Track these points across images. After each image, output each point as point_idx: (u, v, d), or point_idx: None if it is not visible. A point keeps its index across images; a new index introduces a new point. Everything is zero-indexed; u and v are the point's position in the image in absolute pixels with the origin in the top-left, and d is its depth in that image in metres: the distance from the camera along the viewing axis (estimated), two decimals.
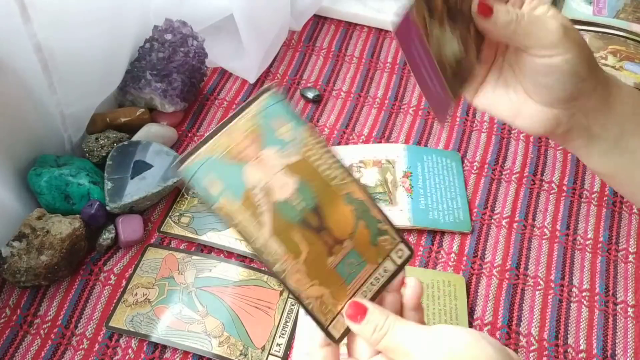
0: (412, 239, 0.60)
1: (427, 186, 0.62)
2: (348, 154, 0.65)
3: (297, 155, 0.38)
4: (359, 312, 0.38)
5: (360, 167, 0.64)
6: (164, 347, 0.52)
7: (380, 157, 0.64)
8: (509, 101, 0.47)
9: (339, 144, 0.67)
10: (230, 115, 0.38)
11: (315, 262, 0.38)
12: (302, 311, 0.52)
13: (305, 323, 0.53)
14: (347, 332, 0.39)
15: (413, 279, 0.40)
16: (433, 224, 0.60)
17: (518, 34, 0.44)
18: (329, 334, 0.39)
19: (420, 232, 0.60)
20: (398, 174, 0.63)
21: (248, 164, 0.37)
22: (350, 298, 0.39)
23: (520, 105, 0.47)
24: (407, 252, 0.42)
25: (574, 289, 0.57)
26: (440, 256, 0.59)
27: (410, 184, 0.62)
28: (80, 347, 0.52)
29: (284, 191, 0.38)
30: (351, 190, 0.40)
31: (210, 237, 0.59)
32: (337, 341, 0.39)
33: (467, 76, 0.48)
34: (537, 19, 0.44)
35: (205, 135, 0.37)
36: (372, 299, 0.40)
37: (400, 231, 0.42)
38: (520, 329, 0.54)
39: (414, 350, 0.35)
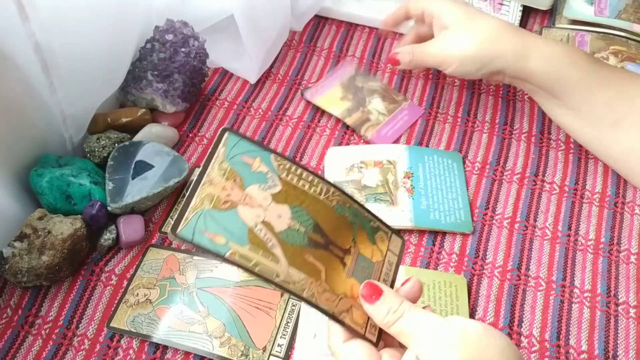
0: (413, 239, 0.60)
1: (428, 187, 0.62)
2: (349, 154, 0.65)
3: (279, 184, 0.39)
4: (374, 293, 0.38)
5: (361, 167, 0.64)
6: (165, 347, 0.53)
7: (381, 158, 0.64)
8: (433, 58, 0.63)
9: (340, 144, 0.67)
10: (201, 167, 0.38)
11: (335, 276, 0.39)
12: (303, 320, 0.52)
13: (306, 323, 0.53)
14: (381, 332, 0.40)
15: (415, 278, 0.41)
16: (434, 224, 0.60)
17: (419, 64, 0.63)
18: (368, 340, 0.39)
19: (421, 232, 0.60)
20: (399, 175, 0.63)
21: (239, 206, 0.37)
22: None
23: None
24: (400, 241, 0.44)
25: (576, 290, 0.57)
26: (441, 257, 0.59)
27: (411, 185, 0.62)
28: (82, 347, 0.53)
29: (282, 221, 0.38)
30: (338, 200, 0.40)
31: None
32: (376, 344, 0.39)
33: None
34: (421, 51, 0.61)
35: (187, 192, 0.37)
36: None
37: (386, 223, 0.43)
38: (522, 329, 0.54)
39: (429, 336, 0.36)
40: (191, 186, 0.37)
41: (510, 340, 0.37)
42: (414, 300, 0.41)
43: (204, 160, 0.38)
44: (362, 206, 0.42)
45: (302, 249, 0.38)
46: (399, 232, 0.44)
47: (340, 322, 0.38)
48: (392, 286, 0.42)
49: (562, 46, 0.57)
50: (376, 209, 0.60)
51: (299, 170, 0.40)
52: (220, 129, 0.39)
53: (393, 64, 0.63)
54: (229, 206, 0.37)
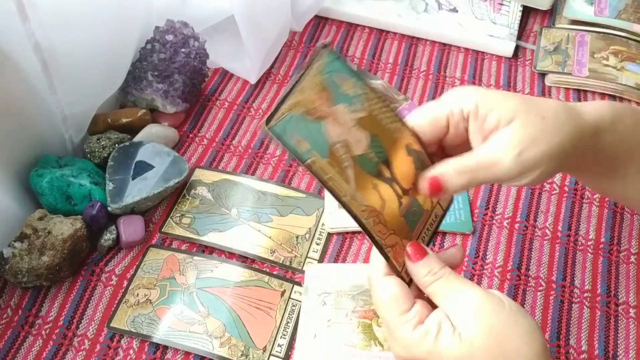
0: None
1: None
2: None
3: (363, 111, 0.40)
4: (419, 253, 0.39)
5: None
6: (165, 347, 0.53)
7: None
8: None
9: None
10: (297, 73, 0.39)
11: (391, 212, 0.40)
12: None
13: (306, 323, 0.53)
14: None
15: (460, 246, 0.43)
16: None
17: (479, 183, 0.41)
18: (402, 278, 0.40)
19: None
20: None
21: (326, 120, 0.38)
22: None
23: None
24: (448, 197, 0.45)
25: (576, 290, 0.57)
26: None
27: None
28: (82, 347, 0.53)
29: (360, 146, 0.39)
30: (409, 141, 0.41)
31: (212, 237, 0.59)
32: (409, 283, 0.41)
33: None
34: (489, 163, 0.39)
35: (281, 94, 0.38)
36: (429, 243, 0.43)
37: None
38: None
39: (462, 299, 0.37)
40: (286, 89, 0.38)
41: (539, 327, 0.37)
42: (453, 266, 0.41)
43: (300, 69, 0.39)
44: (427, 155, 0.42)
45: (370, 177, 0.39)
46: None
47: (386, 256, 0.39)
48: (432, 238, 0.44)
49: (609, 107, 0.44)
50: None
51: (381, 104, 0.41)
52: (320, 43, 0.40)
53: (434, 193, 0.40)
54: (316, 118, 0.37)
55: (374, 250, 0.40)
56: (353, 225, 0.59)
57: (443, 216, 0.44)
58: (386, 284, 0.39)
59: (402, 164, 0.41)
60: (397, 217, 0.40)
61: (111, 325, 0.53)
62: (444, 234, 0.60)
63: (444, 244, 0.59)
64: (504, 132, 0.39)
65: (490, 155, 0.39)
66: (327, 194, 0.61)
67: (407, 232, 0.41)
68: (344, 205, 0.37)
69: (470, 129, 0.40)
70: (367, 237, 0.39)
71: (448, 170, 0.40)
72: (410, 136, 0.41)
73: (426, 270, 0.39)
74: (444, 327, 0.36)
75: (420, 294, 0.40)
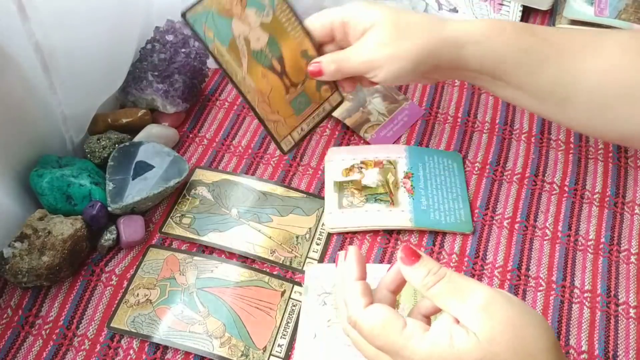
0: (413, 239, 0.60)
1: (428, 187, 0.62)
2: (349, 154, 0.65)
3: (271, 17, 0.52)
4: (413, 255, 0.39)
5: (361, 167, 0.64)
6: (166, 347, 0.53)
7: (382, 158, 0.64)
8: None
9: (340, 144, 0.67)
10: None
11: (276, 97, 0.54)
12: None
13: (306, 323, 0.53)
14: (294, 147, 0.58)
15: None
16: (434, 224, 0.60)
17: (346, 73, 0.54)
18: (280, 147, 0.56)
19: (421, 233, 0.60)
20: (399, 175, 0.63)
21: (235, 18, 0.50)
22: (299, 124, 0.57)
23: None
24: (339, 98, 0.60)
25: (576, 290, 0.57)
26: (441, 257, 0.59)
27: (411, 185, 0.62)
28: (82, 347, 0.53)
29: (259, 43, 0.52)
30: (307, 47, 0.55)
31: (212, 238, 0.59)
32: (285, 153, 0.57)
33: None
34: (345, 57, 0.53)
35: None
36: (313, 129, 0.59)
37: (336, 84, 0.59)
38: None
39: (473, 298, 0.36)
40: None
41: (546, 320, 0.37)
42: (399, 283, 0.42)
43: None
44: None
45: (262, 67, 0.53)
46: (342, 94, 0.59)
47: (267, 127, 0.54)
48: (318, 124, 0.59)
49: (490, 25, 0.51)
50: (376, 209, 0.60)
51: (290, 14, 0.54)
52: None
53: (315, 75, 0.55)
54: (227, 15, 0.50)
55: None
56: (353, 226, 0.60)
57: (331, 111, 0.60)
58: (373, 312, 0.38)
59: (295, 63, 0.55)
60: (283, 102, 0.55)
61: (111, 325, 0.53)
62: (444, 234, 0.60)
63: (444, 244, 0.59)
64: (365, 36, 0.52)
65: (351, 53, 0.53)
66: (327, 194, 0.62)
67: (292, 115, 0.56)
68: (233, 83, 0.51)
69: (348, 33, 0.54)
70: (252, 112, 0.52)
71: (326, 59, 0.55)
72: (309, 44, 0.55)
73: (425, 270, 0.37)
74: (455, 330, 0.35)
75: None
